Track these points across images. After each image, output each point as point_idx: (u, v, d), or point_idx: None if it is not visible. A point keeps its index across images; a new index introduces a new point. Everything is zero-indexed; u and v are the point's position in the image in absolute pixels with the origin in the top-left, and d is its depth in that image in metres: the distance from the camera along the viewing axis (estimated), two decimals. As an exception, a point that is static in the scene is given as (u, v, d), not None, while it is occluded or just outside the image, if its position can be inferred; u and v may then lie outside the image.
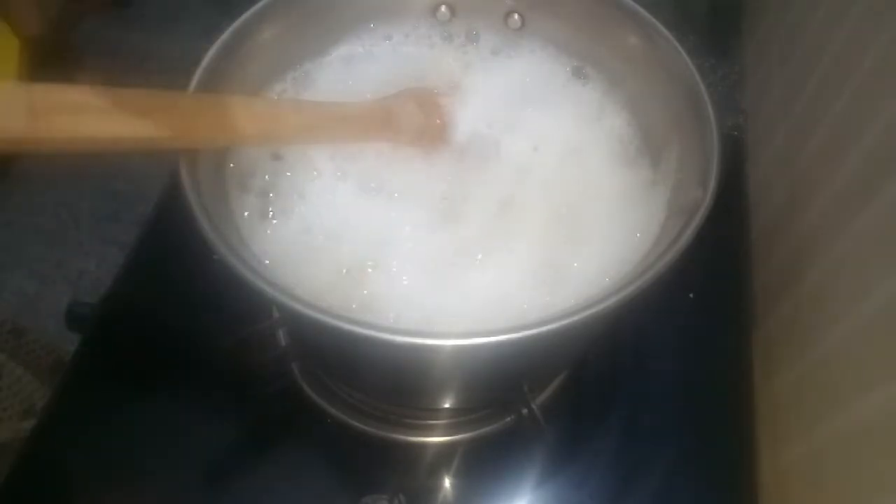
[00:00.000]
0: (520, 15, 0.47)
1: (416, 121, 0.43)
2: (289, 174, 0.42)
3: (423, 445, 0.50)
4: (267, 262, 0.37)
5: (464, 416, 0.50)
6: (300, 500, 0.49)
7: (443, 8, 0.48)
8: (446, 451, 0.50)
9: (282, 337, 0.52)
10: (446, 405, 0.48)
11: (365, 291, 0.38)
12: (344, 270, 0.39)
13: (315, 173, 0.42)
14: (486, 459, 0.50)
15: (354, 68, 0.47)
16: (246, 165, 0.41)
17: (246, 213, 0.40)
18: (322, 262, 0.39)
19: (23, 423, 0.63)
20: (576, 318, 0.30)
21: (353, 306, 0.37)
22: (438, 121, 0.44)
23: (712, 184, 0.34)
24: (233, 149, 0.41)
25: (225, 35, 0.40)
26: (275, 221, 0.40)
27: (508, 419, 0.49)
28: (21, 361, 0.68)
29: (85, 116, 0.31)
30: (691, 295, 0.57)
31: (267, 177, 0.41)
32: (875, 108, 0.42)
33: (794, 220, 0.52)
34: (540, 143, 0.44)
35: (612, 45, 0.45)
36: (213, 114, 0.36)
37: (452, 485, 0.49)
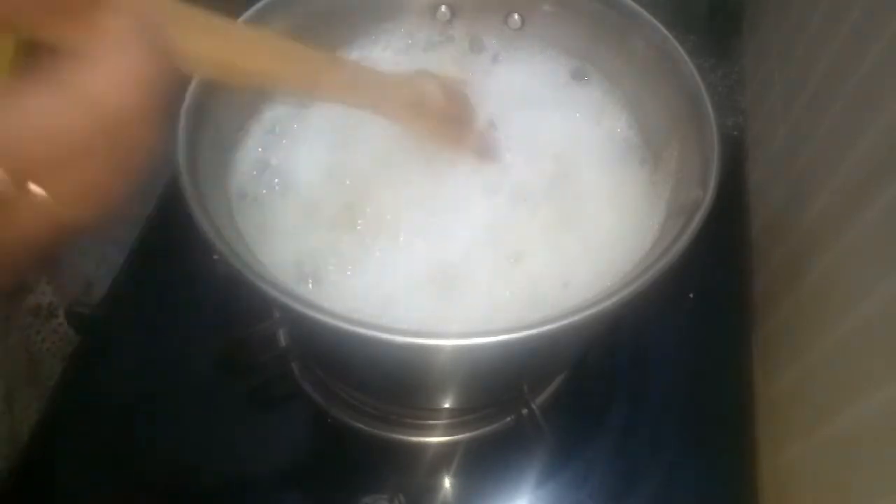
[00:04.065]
0: (520, 15, 0.48)
1: (438, 101, 0.41)
2: (290, 174, 0.42)
3: (423, 445, 0.50)
4: (266, 262, 0.37)
5: (464, 416, 0.50)
6: (300, 500, 0.49)
7: (443, 8, 0.48)
8: (446, 451, 0.50)
9: (282, 337, 0.52)
10: (446, 405, 0.48)
11: (364, 293, 0.38)
12: (343, 272, 0.39)
13: (314, 174, 0.42)
14: (486, 459, 0.50)
15: (354, 68, 0.47)
16: (247, 166, 0.42)
17: (246, 213, 0.40)
18: (318, 262, 0.39)
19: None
20: (576, 318, 0.30)
21: (351, 307, 0.37)
22: (465, 110, 0.43)
23: (712, 184, 0.34)
24: (238, 140, 0.40)
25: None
26: (277, 223, 0.40)
27: (508, 419, 0.49)
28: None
29: None
30: (691, 295, 0.57)
31: (267, 176, 0.41)
32: (875, 108, 0.42)
33: (794, 220, 0.52)
34: (540, 143, 0.44)
35: (612, 45, 0.45)
36: (264, 49, 0.34)
37: (452, 485, 0.49)
